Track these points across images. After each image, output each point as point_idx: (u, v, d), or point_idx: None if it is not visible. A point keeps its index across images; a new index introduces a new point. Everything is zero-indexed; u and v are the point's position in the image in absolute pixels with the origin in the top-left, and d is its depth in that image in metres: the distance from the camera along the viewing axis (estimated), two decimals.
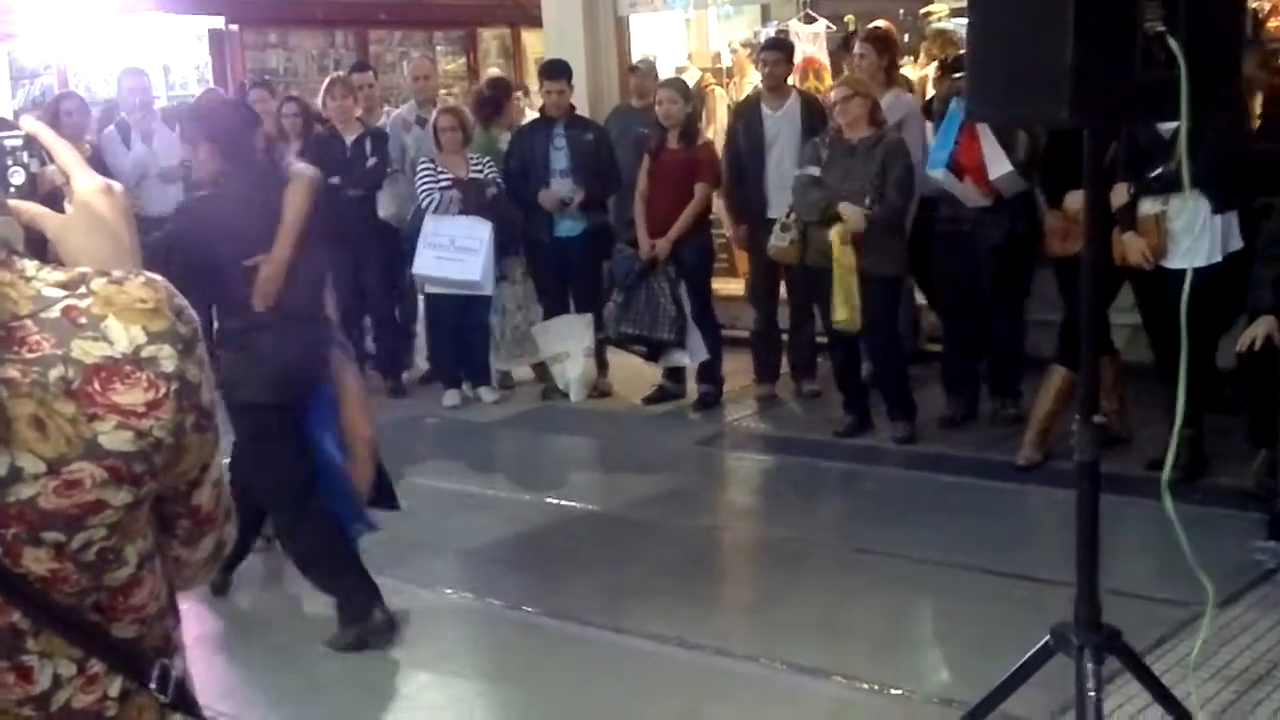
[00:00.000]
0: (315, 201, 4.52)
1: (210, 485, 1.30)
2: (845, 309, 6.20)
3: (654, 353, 7.36)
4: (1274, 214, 4.90)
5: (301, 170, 4.66)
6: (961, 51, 7.77)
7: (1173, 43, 2.76)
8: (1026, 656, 3.18)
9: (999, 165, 6.09)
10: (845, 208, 6.20)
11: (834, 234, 6.19)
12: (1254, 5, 7.55)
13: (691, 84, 10.22)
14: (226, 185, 4.46)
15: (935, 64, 7.85)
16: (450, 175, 7.44)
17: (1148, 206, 5.40)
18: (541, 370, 7.97)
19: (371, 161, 7.79)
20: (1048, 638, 3.15)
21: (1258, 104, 6.95)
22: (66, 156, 1.33)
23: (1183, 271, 4.40)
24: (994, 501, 5.73)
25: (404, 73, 10.16)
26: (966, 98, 3.45)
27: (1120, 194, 5.40)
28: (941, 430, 6.59)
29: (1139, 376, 5.93)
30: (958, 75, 6.22)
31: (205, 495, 1.30)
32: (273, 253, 4.37)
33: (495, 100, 8.21)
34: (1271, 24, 7.86)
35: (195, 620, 4.59)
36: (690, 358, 7.35)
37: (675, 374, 7.53)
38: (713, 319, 7.39)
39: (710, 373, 7.43)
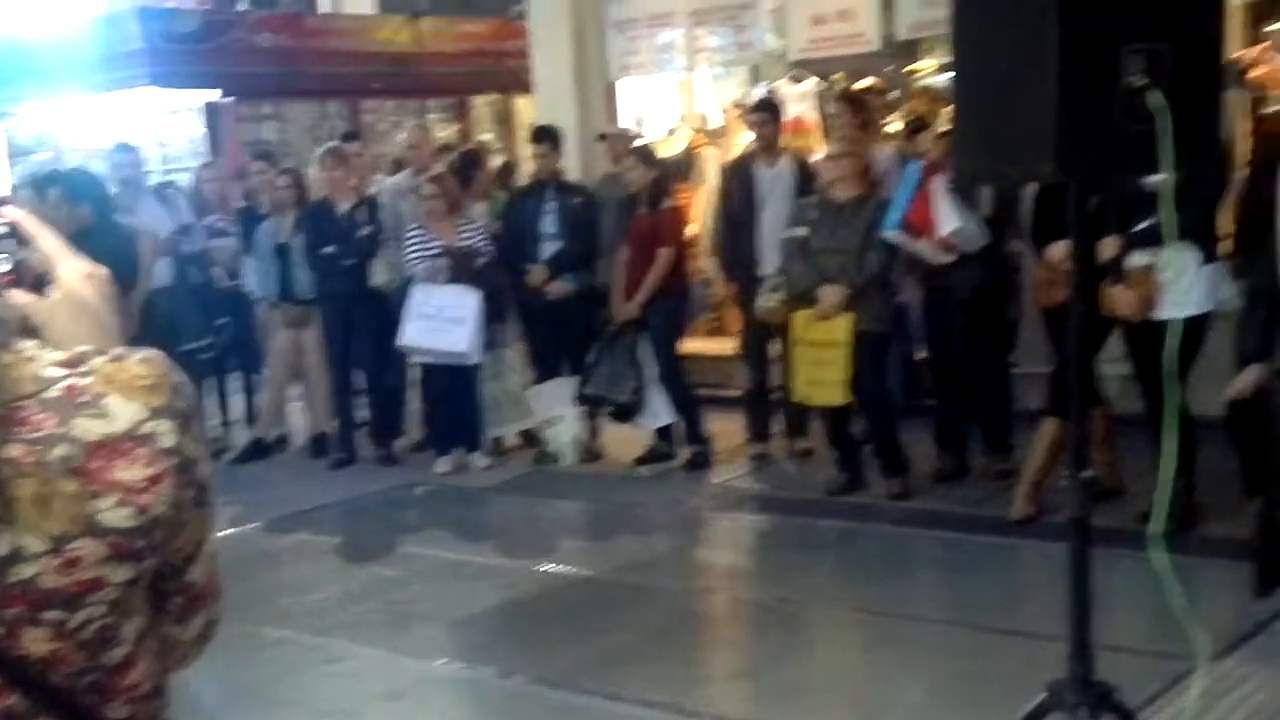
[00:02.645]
0: None
1: (204, 561, 1.29)
2: (830, 388, 6.32)
3: (619, 414, 7.40)
4: (1257, 264, 4.90)
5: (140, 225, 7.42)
6: (923, 112, 7.97)
7: (1154, 97, 2.78)
8: (1022, 715, 3.15)
9: (949, 222, 6.15)
10: (823, 290, 6.29)
11: (814, 315, 6.34)
12: (1237, 55, 7.63)
13: (683, 145, 10.34)
14: (103, 239, 6.22)
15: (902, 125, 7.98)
16: (440, 243, 7.47)
17: (1137, 259, 5.42)
18: (532, 435, 7.96)
19: (365, 230, 7.82)
20: (1043, 695, 3.12)
21: (1243, 154, 7.02)
22: (49, 243, 1.33)
23: (1173, 321, 4.44)
24: (988, 557, 5.69)
25: (398, 141, 10.23)
26: (952, 155, 3.48)
27: (1110, 246, 5.42)
28: (935, 486, 6.57)
29: (1132, 427, 5.92)
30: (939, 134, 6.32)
31: (199, 571, 1.29)
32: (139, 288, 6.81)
33: (465, 171, 8.24)
34: (1254, 74, 7.94)
35: None
36: (653, 420, 7.38)
37: (666, 435, 7.53)
38: (680, 381, 7.39)
39: (694, 433, 7.44)
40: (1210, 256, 5.38)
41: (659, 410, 7.35)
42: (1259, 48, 7.94)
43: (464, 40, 15.12)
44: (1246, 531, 5.19)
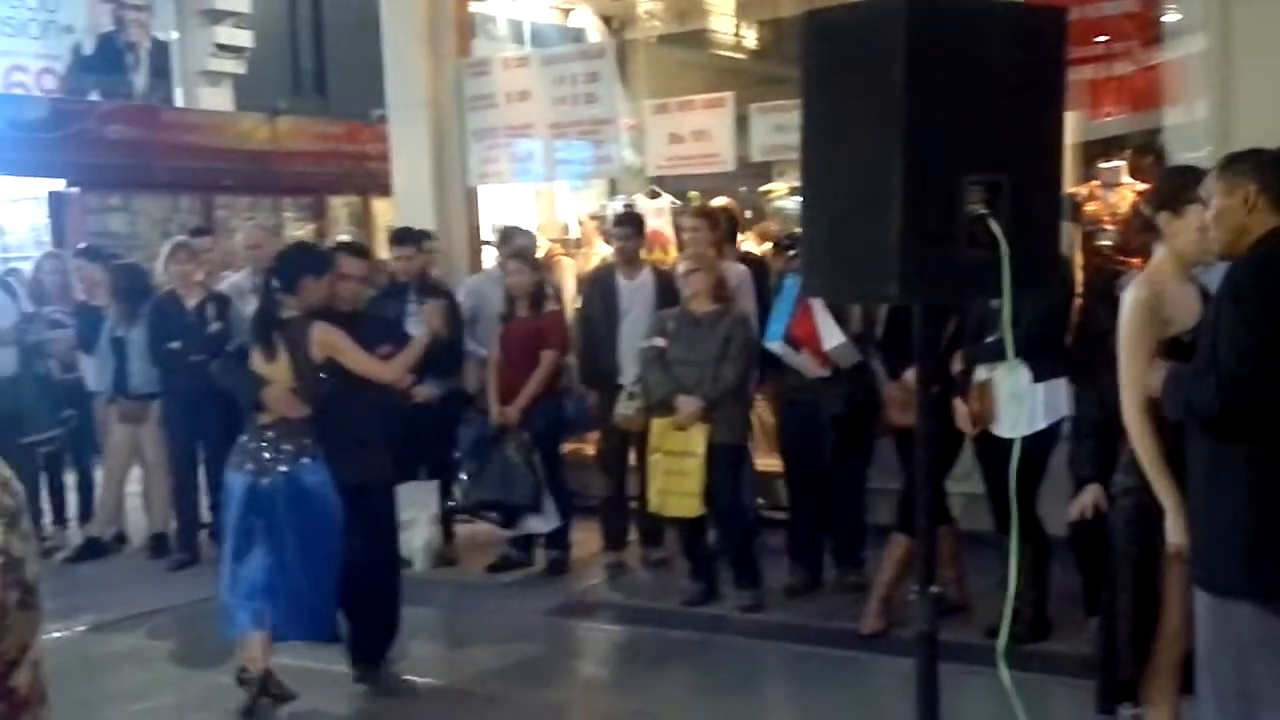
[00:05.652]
0: None
1: (29, 666, 1.24)
2: (686, 499, 6.35)
3: (508, 519, 7.31)
4: (1086, 392, 5.08)
5: None
6: (796, 230, 8.17)
7: (994, 225, 2.91)
8: None
9: (833, 337, 6.30)
10: (680, 400, 6.35)
11: (671, 425, 6.39)
12: (1073, 190, 8.02)
13: (540, 254, 10.41)
14: None
15: (771, 243, 8.16)
16: None
17: (980, 374, 5.61)
18: None
19: (215, 326, 7.67)
20: None
21: (1077, 284, 7.32)
22: None
23: (1011, 439, 4.58)
24: (838, 670, 5.73)
25: (236, 240, 10.05)
26: (802, 274, 3.57)
27: (956, 362, 5.61)
28: (787, 599, 6.61)
29: (981, 544, 6.06)
30: (792, 253, 6.48)
31: (24, 677, 1.24)
32: None
33: None
34: (1089, 208, 8.34)
35: None
36: (545, 523, 7.32)
37: (520, 541, 7.46)
38: (564, 484, 7.38)
39: (559, 539, 7.39)
40: (1046, 375, 5.57)
41: (550, 513, 7.26)
42: (1091, 184, 8.37)
43: (321, 140, 15.11)
44: (1090, 648, 5.32)
